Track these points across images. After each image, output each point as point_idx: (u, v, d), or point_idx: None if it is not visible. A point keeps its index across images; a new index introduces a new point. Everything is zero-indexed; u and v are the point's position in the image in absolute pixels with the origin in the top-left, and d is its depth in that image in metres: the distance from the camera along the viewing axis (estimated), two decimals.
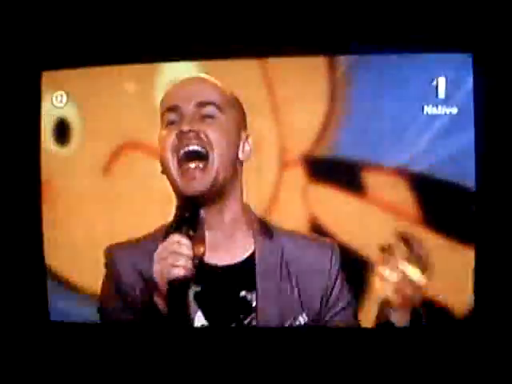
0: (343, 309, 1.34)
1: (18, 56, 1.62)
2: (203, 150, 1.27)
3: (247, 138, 1.35)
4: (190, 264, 1.16)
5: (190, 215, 1.23)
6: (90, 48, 1.59)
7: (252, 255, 1.33)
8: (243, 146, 1.34)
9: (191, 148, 1.26)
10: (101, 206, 1.57)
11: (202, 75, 1.39)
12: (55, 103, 1.60)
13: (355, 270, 1.45)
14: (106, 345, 1.55)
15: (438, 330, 1.47)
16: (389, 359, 1.48)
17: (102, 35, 1.58)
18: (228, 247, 1.32)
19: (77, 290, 1.57)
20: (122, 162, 1.56)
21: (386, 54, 1.49)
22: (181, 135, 1.26)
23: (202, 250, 1.24)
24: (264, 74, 1.53)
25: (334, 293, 1.33)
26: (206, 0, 1.55)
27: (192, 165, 1.26)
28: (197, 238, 1.21)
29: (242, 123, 1.36)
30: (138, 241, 1.37)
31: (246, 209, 1.37)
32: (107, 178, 1.58)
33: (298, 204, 1.51)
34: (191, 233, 1.20)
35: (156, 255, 1.18)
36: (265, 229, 1.36)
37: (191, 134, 1.26)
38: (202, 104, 1.28)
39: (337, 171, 1.50)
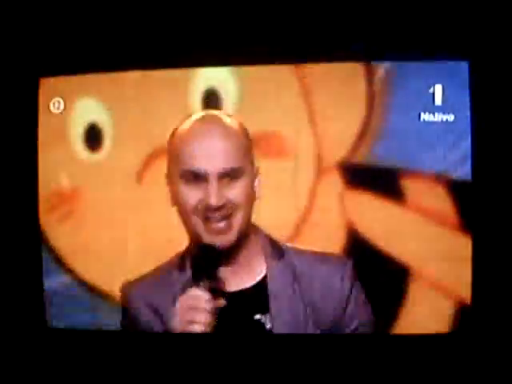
0: (356, 328, 1.33)
1: (16, 62, 1.60)
2: (228, 214, 1.27)
3: (257, 171, 1.35)
4: (209, 318, 1.17)
5: (209, 267, 1.23)
6: (88, 54, 1.58)
7: (264, 278, 1.33)
8: (257, 183, 1.34)
9: (217, 215, 1.26)
10: (133, 214, 1.54)
11: (217, 115, 1.36)
12: (52, 110, 1.58)
13: (393, 276, 1.47)
14: (108, 352, 1.56)
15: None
16: (393, 360, 1.49)
17: (103, 41, 1.57)
18: (242, 273, 1.33)
19: (107, 298, 1.54)
20: (154, 170, 1.52)
21: (384, 61, 1.50)
22: (209, 209, 1.26)
23: (221, 301, 1.22)
24: (301, 80, 1.51)
25: (347, 311, 1.33)
26: (241, 5, 1.53)
27: (217, 224, 1.27)
28: (216, 289, 1.21)
29: (253, 159, 1.34)
30: (153, 275, 1.38)
31: (257, 232, 1.36)
32: (140, 186, 1.55)
33: (335, 211, 1.49)
34: (211, 284, 1.20)
35: (175, 310, 1.20)
36: (276, 249, 1.35)
37: (219, 208, 1.26)
38: (226, 170, 1.26)
39: (374, 178, 1.49)
